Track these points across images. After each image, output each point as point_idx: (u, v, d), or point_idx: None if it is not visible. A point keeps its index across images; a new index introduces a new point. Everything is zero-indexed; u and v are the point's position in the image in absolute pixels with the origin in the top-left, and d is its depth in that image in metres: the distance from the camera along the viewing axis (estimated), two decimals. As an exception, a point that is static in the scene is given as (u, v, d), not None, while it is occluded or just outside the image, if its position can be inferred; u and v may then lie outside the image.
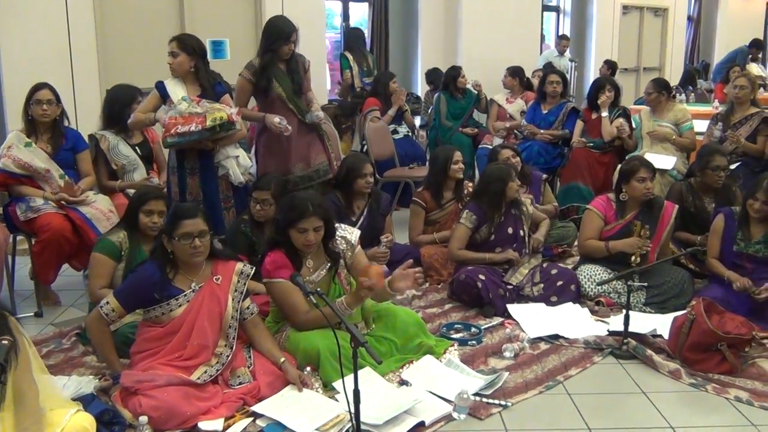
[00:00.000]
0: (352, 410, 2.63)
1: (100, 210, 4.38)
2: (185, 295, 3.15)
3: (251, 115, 4.73)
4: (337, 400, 3.08)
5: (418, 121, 8.05)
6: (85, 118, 5.52)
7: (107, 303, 3.12)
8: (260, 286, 3.64)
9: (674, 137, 5.91)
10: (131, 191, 4.59)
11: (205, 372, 3.09)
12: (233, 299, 3.22)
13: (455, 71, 7.30)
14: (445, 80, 7.32)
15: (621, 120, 6.11)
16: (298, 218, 3.33)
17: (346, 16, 8.85)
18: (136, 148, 4.77)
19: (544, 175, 5.35)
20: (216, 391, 3.07)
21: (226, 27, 6.82)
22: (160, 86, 4.39)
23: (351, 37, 7.98)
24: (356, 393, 2.61)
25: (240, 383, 3.14)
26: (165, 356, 3.07)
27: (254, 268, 3.35)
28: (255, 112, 4.73)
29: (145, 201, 3.67)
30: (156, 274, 3.13)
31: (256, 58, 4.70)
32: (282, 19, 4.80)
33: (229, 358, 3.17)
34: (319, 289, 3.05)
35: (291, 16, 7.05)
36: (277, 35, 4.65)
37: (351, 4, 8.88)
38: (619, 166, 4.57)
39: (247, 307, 3.29)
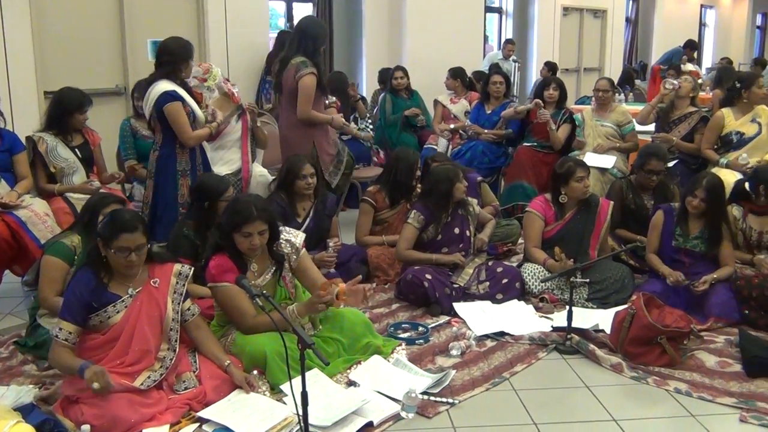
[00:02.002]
0: (300, 412, 2.62)
1: (36, 213, 4.25)
2: (122, 301, 3.07)
3: (321, 119, 5.04)
4: (284, 403, 3.06)
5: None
6: (22, 120, 5.38)
7: (60, 329, 2.98)
8: (203, 289, 3.59)
9: (618, 145, 6.02)
10: (73, 195, 4.49)
11: (149, 377, 3.03)
12: (173, 301, 3.16)
13: (392, 71, 7.38)
14: (389, 81, 7.36)
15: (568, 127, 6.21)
16: (243, 222, 3.30)
17: (289, 17, 8.80)
18: (76, 150, 4.66)
19: (479, 177, 5.39)
20: (161, 396, 3.01)
21: (168, 27, 6.69)
22: (176, 94, 4.33)
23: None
24: (304, 395, 2.60)
25: (185, 388, 3.09)
26: (107, 364, 2.99)
27: (193, 269, 3.29)
28: (322, 114, 5.05)
29: (106, 204, 3.58)
30: (91, 280, 3.04)
31: (299, 56, 4.90)
32: (317, 21, 5.21)
33: (173, 361, 3.12)
34: (265, 291, 3.03)
35: (233, 16, 7.09)
36: (318, 35, 4.99)
37: (295, 5, 8.84)
38: (554, 169, 4.62)
39: (188, 309, 3.23)
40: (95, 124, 5.08)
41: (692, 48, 12.53)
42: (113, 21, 6.33)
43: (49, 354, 3.07)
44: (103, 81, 6.31)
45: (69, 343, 2.98)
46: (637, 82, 12.13)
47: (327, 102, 5.45)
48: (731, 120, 5.53)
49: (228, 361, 3.18)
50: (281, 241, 3.52)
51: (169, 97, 4.30)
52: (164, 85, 4.32)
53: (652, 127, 6.29)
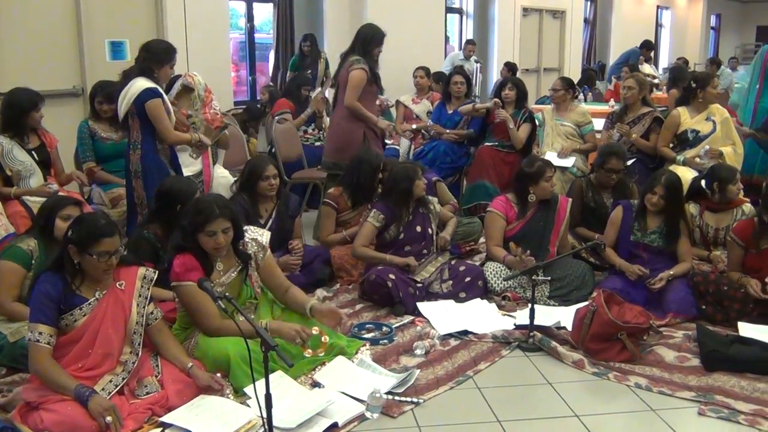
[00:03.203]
0: (264, 415, 2.61)
1: None
2: (89, 304, 3.03)
3: (365, 114, 5.46)
4: (248, 406, 3.04)
5: (328, 121, 8.02)
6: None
7: (40, 333, 2.91)
8: (165, 292, 3.55)
9: (579, 146, 6.10)
10: (31, 198, 4.40)
11: (111, 381, 2.99)
12: (138, 305, 3.13)
13: None
14: None
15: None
16: (205, 221, 3.27)
17: (250, 17, 8.75)
18: (33, 153, 4.57)
19: (435, 177, 5.41)
20: (122, 402, 2.97)
21: (126, 27, 6.62)
22: (158, 91, 4.31)
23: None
24: (268, 397, 2.59)
25: (147, 393, 3.05)
26: (67, 366, 2.94)
27: (157, 272, 3.26)
28: (369, 113, 5.47)
29: (63, 206, 3.53)
30: (58, 284, 2.99)
31: (354, 55, 5.46)
32: (374, 26, 5.66)
33: (135, 365, 3.08)
34: (227, 294, 3.01)
35: (193, 16, 7.02)
36: (372, 38, 5.50)
37: (255, 5, 8.79)
38: (523, 168, 4.65)
39: (151, 313, 3.19)
40: (52, 126, 5.00)
41: (648, 48, 12.75)
42: (69, 21, 6.22)
43: (30, 361, 2.96)
44: (60, 82, 6.19)
45: (51, 346, 2.93)
46: (598, 82, 12.29)
47: (381, 105, 6.18)
48: (687, 118, 5.64)
49: (191, 364, 3.15)
50: (247, 240, 3.51)
51: (151, 93, 4.26)
52: (144, 82, 4.27)
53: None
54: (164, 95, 4.38)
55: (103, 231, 2.98)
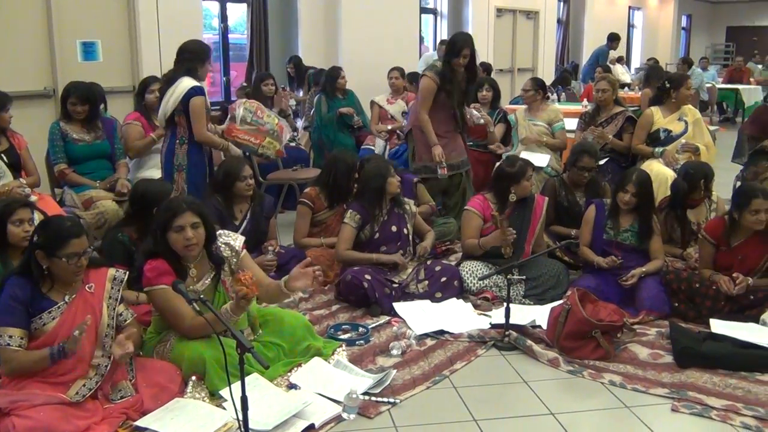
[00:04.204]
0: (240, 417, 2.60)
1: None
2: (58, 307, 2.99)
3: (428, 129, 5.47)
4: (224, 408, 3.03)
5: (300, 122, 8.02)
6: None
7: (9, 336, 2.87)
8: (139, 295, 3.51)
9: (545, 139, 6.15)
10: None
11: (84, 386, 2.95)
12: (108, 307, 3.09)
13: (335, 72, 7.33)
14: (324, 81, 7.33)
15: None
16: (173, 216, 3.23)
17: (224, 17, 8.69)
18: (2, 155, 4.51)
19: (416, 178, 5.43)
20: (96, 407, 2.94)
21: (98, 28, 6.55)
22: (203, 91, 4.65)
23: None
24: (244, 399, 2.58)
25: (122, 397, 3.02)
26: (38, 373, 2.90)
27: (127, 273, 3.22)
28: (430, 131, 5.46)
29: (13, 211, 3.41)
30: (26, 288, 2.95)
31: (438, 62, 5.59)
32: (460, 35, 5.61)
33: (108, 368, 3.05)
34: (202, 296, 2.99)
35: (166, 16, 6.96)
36: (450, 49, 5.44)
37: (229, 5, 8.73)
38: (504, 168, 4.66)
39: (120, 314, 3.16)
40: (22, 128, 4.94)
41: (615, 39, 12.93)
42: (40, 21, 6.14)
43: (4, 367, 2.92)
44: (30, 83, 6.11)
45: (24, 348, 2.90)
46: (573, 83, 12.39)
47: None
48: (660, 118, 5.70)
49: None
50: (220, 244, 3.47)
51: (197, 91, 4.58)
52: (190, 81, 4.59)
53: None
54: (206, 94, 4.69)
55: (71, 232, 2.95)
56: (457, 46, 5.38)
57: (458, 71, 5.49)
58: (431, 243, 4.77)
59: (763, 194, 4.00)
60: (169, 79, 4.66)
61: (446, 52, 5.45)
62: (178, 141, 4.69)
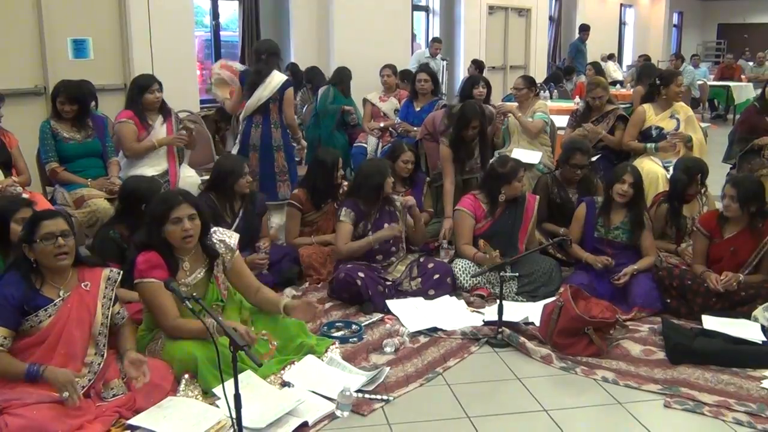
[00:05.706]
0: (234, 415, 2.59)
1: None
2: (54, 305, 2.99)
3: (447, 200, 5.33)
4: (217, 406, 3.02)
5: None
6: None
7: None
8: (131, 293, 3.50)
9: (519, 116, 6.05)
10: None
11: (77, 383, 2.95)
12: (102, 305, 3.10)
13: (349, 72, 7.44)
14: (338, 77, 7.36)
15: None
16: (170, 208, 3.24)
17: (215, 15, 8.67)
18: (-8, 154, 4.49)
19: (428, 178, 5.43)
20: (89, 405, 2.92)
21: (89, 25, 6.52)
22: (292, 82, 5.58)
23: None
24: (237, 397, 2.57)
25: (114, 395, 3.02)
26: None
27: (122, 272, 3.22)
28: (448, 202, 5.30)
29: (16, 209, 3.41)
30: (20, 285, 2.95)
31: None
32: (469, 108, 5.39)
33: (101, 366, 3.04)
34: (195, 294, 2.98)
35: (157, 14, 6.94)
36: (459, 122, 5.32)
37: (221, 3, 8.70)
38: (495, 168, 4.66)
39: (118, 312, 3.17)
40: (13, 126, 4.91)
41: (585, 30, 13.36)
42: (31, 18, 6.10)
43: None
44: (21, 81, 6.06)
45: (5, 348, 2.88)
46: (565, 81, 12.41)
47: None
48: (652, 115, 5.71)
49: (127, 352, 3.11)
50: (215, 242, 3.47)
51: (291, 83, 5.54)
52: (281, 75, 5.46)
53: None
54: None
55: (42, 215, 3.03)
56: (467, 118, 5.30)
57: (469, 138, 5.43)
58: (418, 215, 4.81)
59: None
60: (260, 74, 5.36)
61: (456, 125, 5.33)
62: (272, 125, 5.42)
